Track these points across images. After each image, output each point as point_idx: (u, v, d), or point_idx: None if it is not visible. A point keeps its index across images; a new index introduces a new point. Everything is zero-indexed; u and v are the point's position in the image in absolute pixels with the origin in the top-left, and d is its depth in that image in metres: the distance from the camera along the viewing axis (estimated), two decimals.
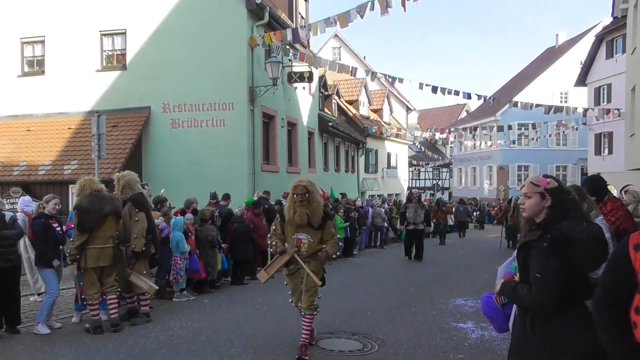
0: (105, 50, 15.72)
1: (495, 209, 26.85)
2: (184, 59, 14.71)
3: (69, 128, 15.17)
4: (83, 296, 6.56)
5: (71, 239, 6.34)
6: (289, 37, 14.76)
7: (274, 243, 5.63)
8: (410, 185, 38.87)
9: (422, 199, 16.10)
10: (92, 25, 15.39)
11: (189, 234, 8.88)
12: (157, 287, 7.48)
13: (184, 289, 8.72)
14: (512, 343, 2.85)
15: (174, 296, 8.51)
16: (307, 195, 5.43)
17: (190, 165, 14.52)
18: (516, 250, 2.90)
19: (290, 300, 5.80)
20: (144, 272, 6.93)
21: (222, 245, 9.80)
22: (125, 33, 15.33)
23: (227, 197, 11.11)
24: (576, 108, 21.93)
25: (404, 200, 28.01)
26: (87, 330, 6.32)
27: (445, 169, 50.93)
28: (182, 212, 9.24)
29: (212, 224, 9.46)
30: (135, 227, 6.70)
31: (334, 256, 5.73)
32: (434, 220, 19.55)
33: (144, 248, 6.77)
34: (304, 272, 5.48)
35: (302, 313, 5.54)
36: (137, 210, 6.76)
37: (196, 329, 6.65)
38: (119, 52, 15.64)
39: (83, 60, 15.45)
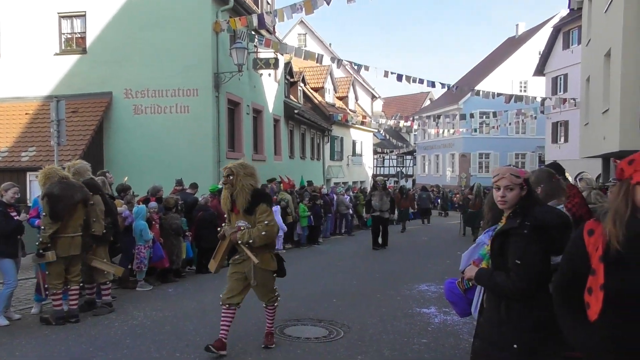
0: (64, 33, 15.20)
1: (457, 195, 27.41)
2: (147, 43, 14.38)
3: (26, 113, 14.65)
4: (47, 286, 6.40)
5: (42, 228, 6.12)
6: (255, 22, 14.61)
7: (220, 230, 5.37)
8: (375, 173, 39.24)
9: (387, 187, 16.12)
10: (50, 6, 14.86)
11: (153, 222, 8.76)
12: (123, 269, 7.39)
13: (147, 278, 8.62)
14: (479, 327, 2.89)
15: (137, 285, 8.40)
16: (230, 177, 5.04)
17: (153, 152, 14.26)
18: (485, 238, 2.94)
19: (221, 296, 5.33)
20: (104, 259, 6.81)
21: (187, 233, 9.71)
22: (84, 15, 14.86)
23: (194, 186, 11.02)
24: (535, 97, 22.55)
25: (369, 188, 28.38)
26: (44, 321, 6.17)
27: (409, 157, 51.57)
28: (146, 201, 9.09)
29: (177, 212, 9.35)
30: (93, 210, 6.55)
31: (260, 243, 5.04)
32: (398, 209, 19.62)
33: (104, 231, 6.64)
34: (249, 263, 5.10)
35: (264, 305, 5.42)
36: (91, 193, 6.61)
37: (161, 318, 6.60)
38: (79, 35, 15.15)
39: (40, 43, 14.92)
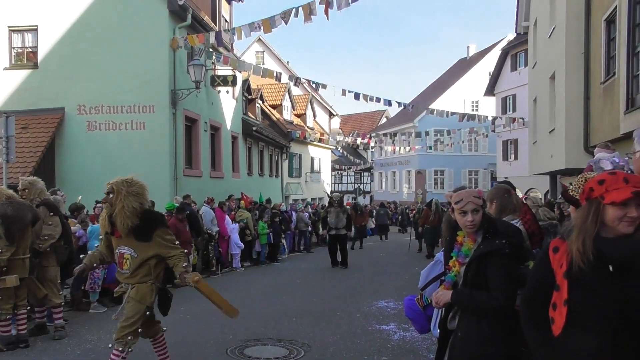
0: (14, 47, 14.72)
1: (414, 211, 27.92)
2: (102, 59, 14.09)
3: None
4: None
5: None
6: (212, 40, 14.58)
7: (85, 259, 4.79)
8: (332, 189, 39.48)
9: (345, 203, 15.74)
10: (0, 20, 14.38)
11: None
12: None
13: (102, 299, 8.37)
14: (456, 350, 2.90)
15: (91, 307, 8.15)
16: (110, 195, 4.46)
17: (108, 170, 13.82)
18: (463, 259, 2.97)
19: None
20: (56, 280, 6.57)
21: None
22: (36, 30, 14.44)
23: (150, 204, 10.76)
24: (486, 116, 23.31)
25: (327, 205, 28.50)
26: None
27: (366, 173, 52.16)
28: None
29: None
30: (48, 229, 6.32)
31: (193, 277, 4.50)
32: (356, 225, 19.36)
33: (48, 249, 6.36)
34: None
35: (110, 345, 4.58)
36: (51, 214, 6.44)
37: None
38: (30, 50, 14.70)
39: None
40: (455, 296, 2.89)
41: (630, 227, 2.01)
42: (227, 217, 13.30)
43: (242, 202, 15.14)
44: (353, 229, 17.10)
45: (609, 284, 1.99)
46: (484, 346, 2.75)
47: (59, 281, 6.67)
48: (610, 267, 1.99)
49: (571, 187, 2.84)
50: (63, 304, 6.75)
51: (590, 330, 2.01)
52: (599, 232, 2.06)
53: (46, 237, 6.30)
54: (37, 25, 14.40)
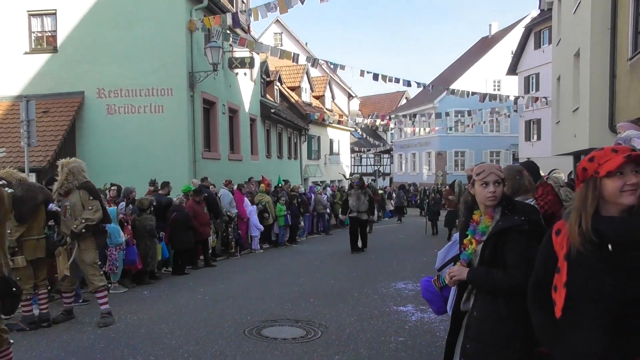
0: (34, 32, 14.85)
1: (446, 195, 27.41)
2: (120, 42, 14.13)
3: None
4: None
5: (7, 232, 5.93)
6: (229, 21, 14.50)
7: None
8: (352, 172, 39.37)
9: (365, 185, 14.55)
10: (19, 4, 14.50)
11: (125, 224, 8.63)
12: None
13: (122, 280, 8.50)
14: (471, 329, 2.83)
15: (111, 288, 8.26)
16: None
17: (127, 153, 14.04)
18: (480, 237, 2.90)
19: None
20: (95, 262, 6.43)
21: (161, 234, 9.60)
22: (55, 13, 14.53)
23: (165, 185, 10.81)
24: (508, 96, 22.90)
25: (347, 187, 28.39)
26: (13, 327, 5.99)
27: (386, 155, 51.85)
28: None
29: (151, 214, 9.23)
30: (87, 213, 6.21)
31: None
32: None
33: (84, 231, 6.19)
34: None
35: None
36: (91, 197, 6.29)
37: (135, 321, 6.50)
38: (49, 34, 14.81)
39: (9, 41, 14.54)
40: (471, 274, 2.82)
41: (632, 196, 1.96)
42: (245, 199, 13.35)
43: (263, 185, 15.16)
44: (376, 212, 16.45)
45: (608, 264, 1.93)
46: (501, 325, 2.68)
47: (99, 263, 6.57)
48: (610, 247, 1.93)
49: (547, 181, 2.80)
50: (106, 287, 6.55)
51: (590, 313, 1.96)
52: (599, 211, 2.02)
53: (83, 221, 6.18)
54: (55, 9, 14.48)
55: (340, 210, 16.07)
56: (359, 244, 13.34)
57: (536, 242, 2.66)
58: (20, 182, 6.08)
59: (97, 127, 14.35)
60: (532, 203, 3.97)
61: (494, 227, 2.78)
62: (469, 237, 2.96)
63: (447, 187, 15.97)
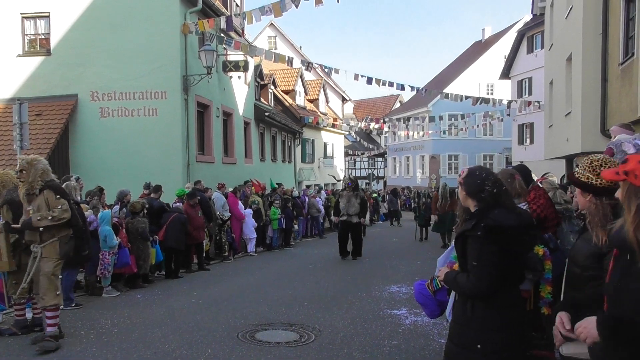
0: (27, 34, 14.79)
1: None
2: (113, 45, 14.10)
3: None
4: (10, 295, 6.18)
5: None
6: (223, 25, 14.52)
7: None
8: (345, 175, 39.39)
9: (359, 187, 13.89)
10: (12, 6, 14.45)
11: (120, 227, 8.61)
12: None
13: (115, 283, 8.46)
14: (450, 328, 2.94)
15: (104, 292, 8.23)
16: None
17: (121, 156, 14.00)
18: (454, 240, 3.02)
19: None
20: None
21: (155, 237, 9.58)
22: (48, 16, 14.49)
23: (157, 189, 10.75)
24: (501, 100, 23.00)
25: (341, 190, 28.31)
26: (5, 332, 5.94)
27: (380, 159, 51.94)
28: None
29: (144, 217, 9.21)
30: (55, 212, 5.58)
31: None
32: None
33: (41, 228, 5.50)
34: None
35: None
36: (57, 197, 5.67)
37: (128, 325, 6.48)
38: (43, 37, 14.76)
39: (3, 44, 14.48)
40: (445, 277, 2.92)
41: None
42: (239, 202, 13.32)
43: (253, 188, 15.14)
44: (368, 215, 15.62)
45: None
46: (466, 327, 2.75)
47: (60, 276, 5.72)
48: None
49: (577, 170, 2.74)
50: (58, 306, 5.63)
51: None
52: None
53: (49, 217, 5.48)
54: (49, 12, 14.44)
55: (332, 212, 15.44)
56: (349, 248, 12.64)
57: (494, 247, 2.65)
58: (17, 187, 6.01)
59: (91, 130, 14.30)
60: (524, 206, 4.01)
61: (457, 231, 2.90)
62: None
63: (435, 192, 15.54)
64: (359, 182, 14.82)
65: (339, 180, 14.77)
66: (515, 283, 2.79)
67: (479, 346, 2.66)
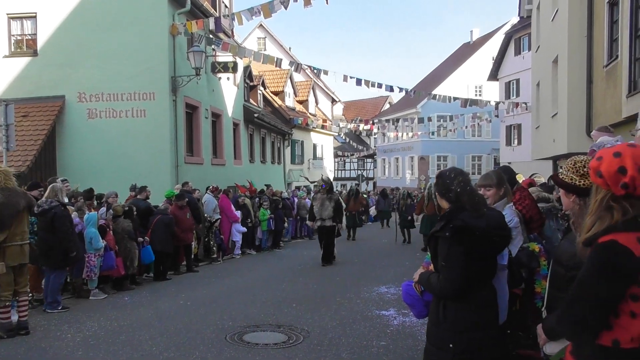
0: (13, 35, 14.64)
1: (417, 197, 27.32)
2: (101, 46, 14.00)
3: None
4: None
5: None
6: (212, 26, 14.49)
7: None
8: (335, 176, 39.42)
9: (334, 189, 12.84)
10: None
11: (107, 229, 8.55)
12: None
13: (102, 286, 8.41)
14: (427, 328, 2.98)
15: (91, 294, 8.18)
16: None
17: (109, 158, 13.90)
18: (427, 241, 3.06)
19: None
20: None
21: (144, 237, 9.53)
22: (35, 17, 14.35)
23: (142, 189, 10.67)
24: (489, 101, 23.19)
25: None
26: None
27: (369, 160, 52.05)
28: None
29: (128, 218, 9.13)
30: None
31: None
32: (346, 213, 16.86)
33: None
34: None
35: None
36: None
37: (115, 327, 6.44)
38: (29, 37, 14.62)
39: None
40: (419, 277, 2.97)
41: None
42: (231, 204, 13.28)
43: (241, 190, 15.12)
44: (345, 219, 14.13)
45: None
46: (438, 327, 2.79)
47: None
48: None
49: (561, 170, 2.77)
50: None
51: None
52: None
53: None
54: (35, 13, 14.31)
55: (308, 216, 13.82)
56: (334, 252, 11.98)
57: (461, 248, 2.68)
58: (2, 188, 5.96)
59: (78, 131, 14.19)
60: (511, 209, 4.05)
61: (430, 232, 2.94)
62: None
63: (422, 192, 14.79)
64: (349, 183, 14.41)
65: (312, 182, 13.61)
66: (486, 284, 2.81)
67: (450, 345, 2.70)
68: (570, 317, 1.94)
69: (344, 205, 12.31)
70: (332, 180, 12.32)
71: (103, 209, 8.93)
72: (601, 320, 1.86)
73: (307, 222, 13.76)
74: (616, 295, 1.83)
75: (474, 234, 2.67)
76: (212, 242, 12.41)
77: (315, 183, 12.44)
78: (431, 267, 3.06)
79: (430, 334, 2.88)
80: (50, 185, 7.41)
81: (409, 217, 16.56)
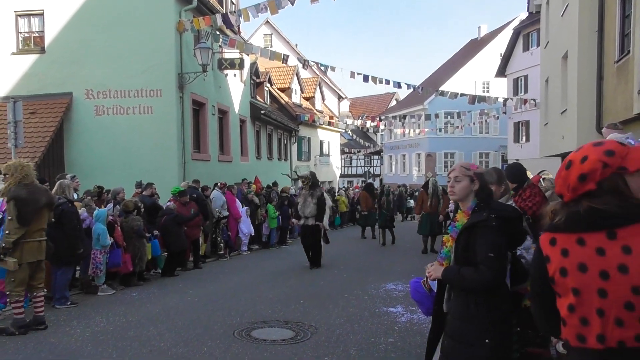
0: (21, 32, 14.70)
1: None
2: (108, 43, 14.03)
3: None
4: (7, 292, 6.17)
5: (6, 232, 5.78)
6: (219, 22, 14.47)
7: None
8: (342, 173, 39.37)
9: (319, 185, 11.59)
10: (6, 4, 14.36)
11: (115, 225, 8.57)
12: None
13: (110, 282, 8.43)
14: (448, 325, 2.87)
15: (99, 290, 8.20)
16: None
17: (117, 155, 13.94)
18: (455, 234, 2.92)
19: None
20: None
21: (154, 233, 9.55)
22: (43, 14, 14.40)
23: (148, 186, 10.70)
24: (497, 98, 23.03)
25: (337, 188, 28.12)
26: (2, 332, 5.91)
27: (376, 157, 51.95)
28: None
29: (138, 214, 9.16)
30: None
31: None
32: (364, 212, 16.54)
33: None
34: None
35: None
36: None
37: (124, 323, 6.45)
38: (37, 34, 14.67)
39: None
40: (444, 272, 2.87)
41: None
42: (237, 200, 13.28)
43: (254, 186, 15.09)
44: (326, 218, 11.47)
45: None
46: (470, 323, 2.72)
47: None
48: None
49: (542, 183, 2.79)
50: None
51: None
52: None
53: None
54: (43, 10, 14.36)
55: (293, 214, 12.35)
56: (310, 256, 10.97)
57: (505, 239, 2.68)
58: (25, 184, 5.96)
59: (86, 128, 14.24)
60: (512, 204, 4.04)
61: (465, 223, 2.85)
62: (448, 235, 3.03)
63: (422, 190, 13.74)
64: (355, 180, 14.03)
65: (294, 179, 12.27)
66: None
67: (487, 340, 2.64)
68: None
69: (330, 203, 11.05)
70: (307, 174, 11.28)
71: (110, 205, 8.94)
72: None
73: (293, 219, 12.78)
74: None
75: (513, 224, 2.72)
76: (219, 239, 12.42)
77: (300, 177, 11.42)
78: (445, 263, 3.01)
79: (457, 332, 2.78)
80: (58, 182, 7.44)
81: (389, 217, 15.38)
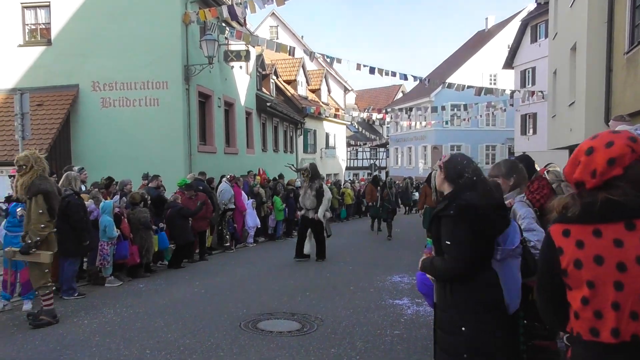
0: (27, 24, 14.72)
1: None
2: (114, 35, 14.03)
3: None
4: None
5: (41, 226, 5.79)
6: (225, 14, 14.43)
7: None
8: (348, 165, 39.28)
9: (320, 176, 11.25)
10: None
11: (122, 217, 8.60)
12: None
13: (117, 273, 8.48)
14: (435, 314, 2.92)
15: (106, 281, 8.25)
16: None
17: (123, 147, 13.98)
18: (428, 224, 2.99)
19: None
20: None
21: (160, 224, 9.59)
22: (49, 6, 14.41)
23: (154, 178, 10.72)
24: (504, 90, 22.86)
25: (343, 181, 28.07)
26: (38, 323, 5.92)
27: (382, 149, 51.84)
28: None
29: (145, 206, 9.19)
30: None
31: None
32: (372, 203, 16.02)
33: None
34: None
35: None
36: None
37: (131, 314, 6.49)
38: (43, 26, 14.69)
39: (3, 34, 14.42)
40: (423, 264, 2.92)
41: None
42: (243, 192, 13.29)
43: (258, 177, 15.12)
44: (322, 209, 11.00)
45: None
46: (447, 312, 2.74)
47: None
48: None
49: (547, 175, 2.73)
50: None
51: None
52: None
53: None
54: (49, 2, 14.36)
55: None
56: (307, 249, 10.85)
57: (466, 226, 2.63)
58: (45, 177, 5.98)
59: (92, 120, 14.27)
60: (523, 199, 3.97)
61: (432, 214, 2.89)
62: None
63: (425, 184, 13.48)
64: (361, 172, 13.94)
65: (296, 170, 12.16)
66: (487, 266, 2.72)
67: (463, 329, 2.65)
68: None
69: (329, 195, 11.11)
70: (313, 165, 11.14)
71: (117, 197, 8.97)
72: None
73: (298, 212, 12.73)
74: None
75: (477, 213, 2.64)
76: (225, 231, 12.45)
77: (302, 168, 11.36)
78: (433, 252, 3.02)
79: (438, 320, 2.84)
80: (65, 174, 7.47)
81: (391, 209, 15.33)
